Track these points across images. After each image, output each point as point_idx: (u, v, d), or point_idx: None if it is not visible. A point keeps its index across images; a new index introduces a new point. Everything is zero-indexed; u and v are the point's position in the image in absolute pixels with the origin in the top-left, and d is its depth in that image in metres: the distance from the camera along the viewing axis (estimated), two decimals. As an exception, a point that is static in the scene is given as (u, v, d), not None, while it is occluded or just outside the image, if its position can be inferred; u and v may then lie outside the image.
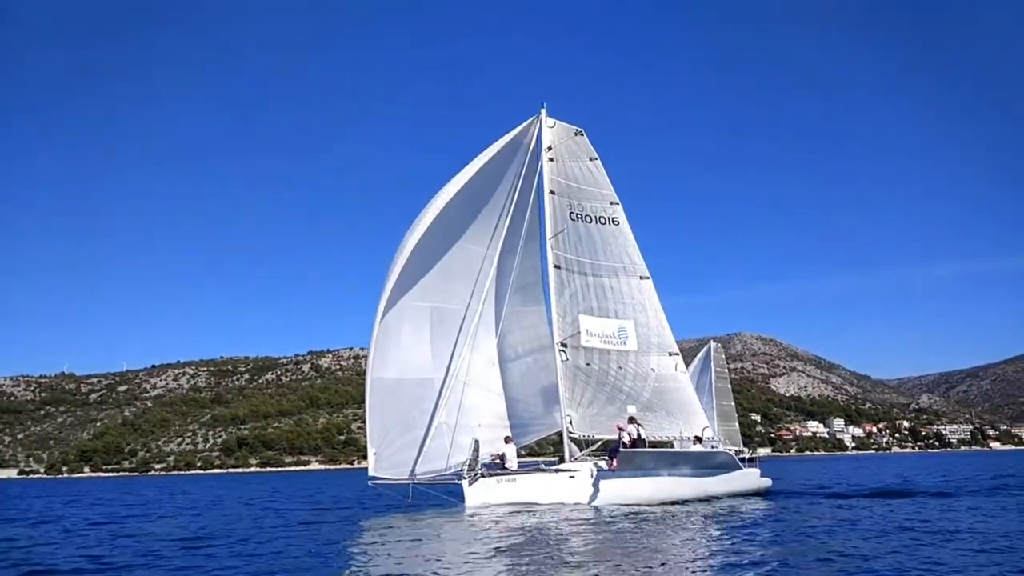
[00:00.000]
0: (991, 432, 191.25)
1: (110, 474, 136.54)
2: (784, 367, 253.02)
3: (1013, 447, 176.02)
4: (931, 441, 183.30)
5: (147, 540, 12.58)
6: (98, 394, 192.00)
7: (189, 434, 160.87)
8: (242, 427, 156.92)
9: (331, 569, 8.77)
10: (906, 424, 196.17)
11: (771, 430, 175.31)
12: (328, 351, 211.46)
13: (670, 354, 19.72)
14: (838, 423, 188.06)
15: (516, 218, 19.03)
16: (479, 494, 16.38)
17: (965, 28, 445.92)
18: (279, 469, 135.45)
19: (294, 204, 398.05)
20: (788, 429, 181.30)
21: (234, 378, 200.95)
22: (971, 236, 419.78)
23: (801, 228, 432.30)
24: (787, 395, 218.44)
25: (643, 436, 17.62)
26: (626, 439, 17.22)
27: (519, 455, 18.50)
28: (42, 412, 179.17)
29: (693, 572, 8.06)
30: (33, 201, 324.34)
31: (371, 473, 17.24)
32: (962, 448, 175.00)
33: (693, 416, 19.44)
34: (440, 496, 17.41)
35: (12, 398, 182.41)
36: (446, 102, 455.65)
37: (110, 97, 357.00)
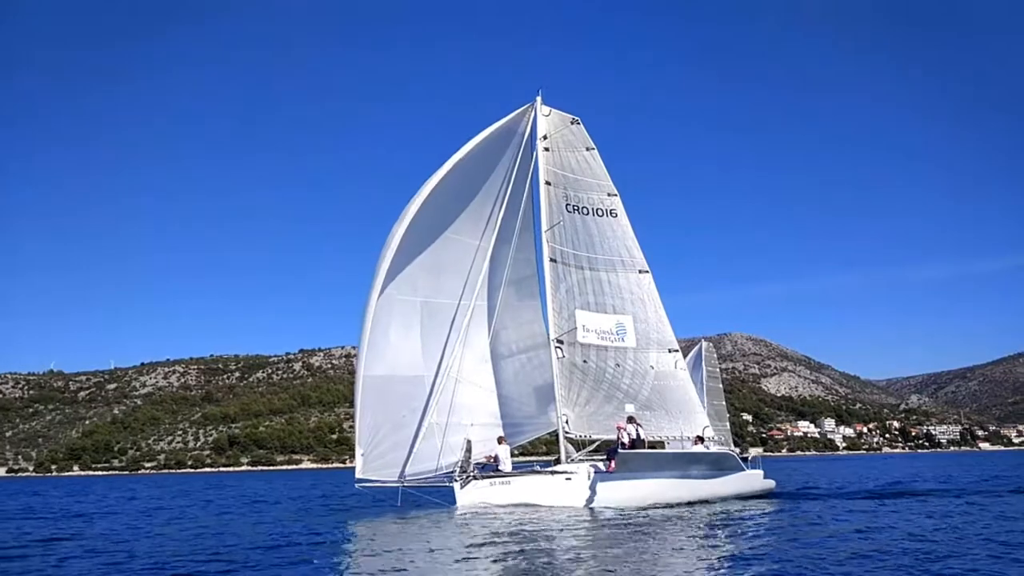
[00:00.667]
0: (980, 433, 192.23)
1: (100, 472, 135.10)
2: (775, 367, 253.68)
3: (1002, 448, 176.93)
4: (921, 441, 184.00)
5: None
6: (87, 392, 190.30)
7: (179, 432, 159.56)
8: (233, 426, 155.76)
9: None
10: (896, 424, 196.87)
11: (763, 430, 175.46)
12: (319, 349, 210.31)
13: (670, 351, 19.09)
14: (829, 423, 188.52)
15: (510, 209, 18.36)
16: (471, 497, 15.73)
17: (964, 28, 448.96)
18: (271, 468, 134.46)
19: (285, 201, 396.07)
20: (779, 429, 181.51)
21: (224, 376, 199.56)
22: (959, 237, 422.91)
23: (791, 229, 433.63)
24: (778, 395, 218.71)
25: (643, 436, 16.96)
26: (625, 439, 16.56)
27: (512, 456, 17.82)
28: (30, 410, 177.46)
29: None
30: (20, 199, 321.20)
31: (359, 475, 16.56)
32: (952, 448, 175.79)
33: (694, 415, 18.78)
34: (430, 499, 16.72)
35: (0, 395, 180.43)
36: (440, 98, 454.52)
37: (99, 95, 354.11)
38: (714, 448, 18.94)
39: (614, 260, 19.18)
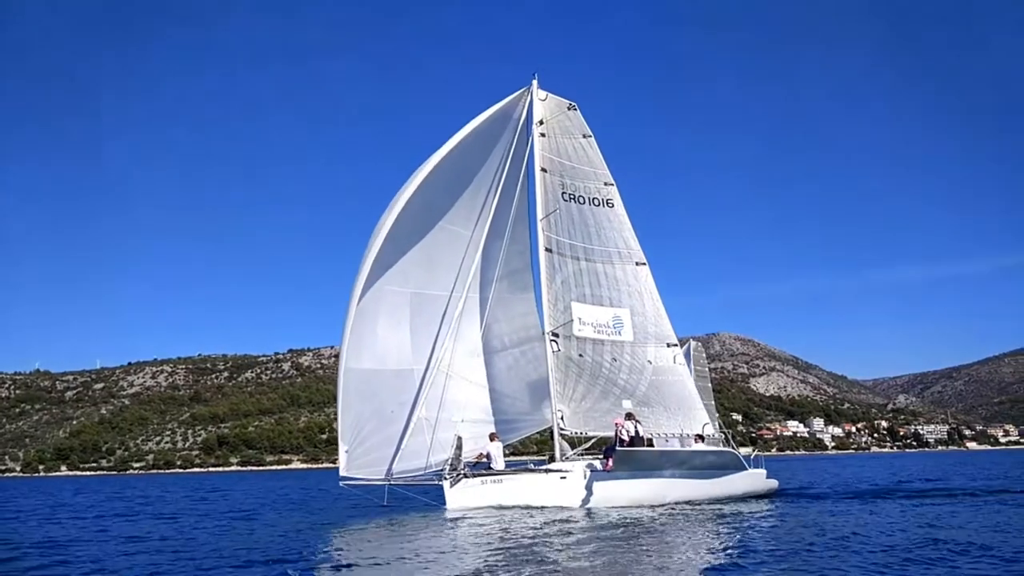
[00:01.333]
0: (967, 432, 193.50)
1: (88, 473, 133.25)
2: (763, 367, 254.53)
3: (989, 447, 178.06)
4: (909, 441, 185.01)
5: None
6: (74, 392, 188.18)
7: (168, 433, 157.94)
8: (222, 426, 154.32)
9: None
10: (884, 424, 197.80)
11: (752, 430, 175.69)
12: (308, 349, 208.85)
13: (668, 345, 18.46)
14: (818, 423, 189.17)
15: (504, 197, 17.69)
16: (461, 496, 15.04)
17: (961, 33, 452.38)
18: (260, 468, 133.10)
19: (274, 201, 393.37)
20: (769, 429, 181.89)
21: (213, 376, 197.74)
22: (945, 239, 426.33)
23: (781, 230, 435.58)
24: (767, 395, 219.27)
25: (642, 434, 16.29)
26: (624, 436, 15.89)
27: (504, 453, 17.12)
28: (17, 410, 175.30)
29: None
30: (6, 200, 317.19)
31: (343, 473, 15.82)
32: (939, 448, 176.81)
33: (693, 412, 18.10)
34: (419, 498, 15.99)
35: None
36: (437, 92, 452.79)
37: (91, 97, 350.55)
38: (717, 444, 18.30)
39: (611, 251, 18.54)
